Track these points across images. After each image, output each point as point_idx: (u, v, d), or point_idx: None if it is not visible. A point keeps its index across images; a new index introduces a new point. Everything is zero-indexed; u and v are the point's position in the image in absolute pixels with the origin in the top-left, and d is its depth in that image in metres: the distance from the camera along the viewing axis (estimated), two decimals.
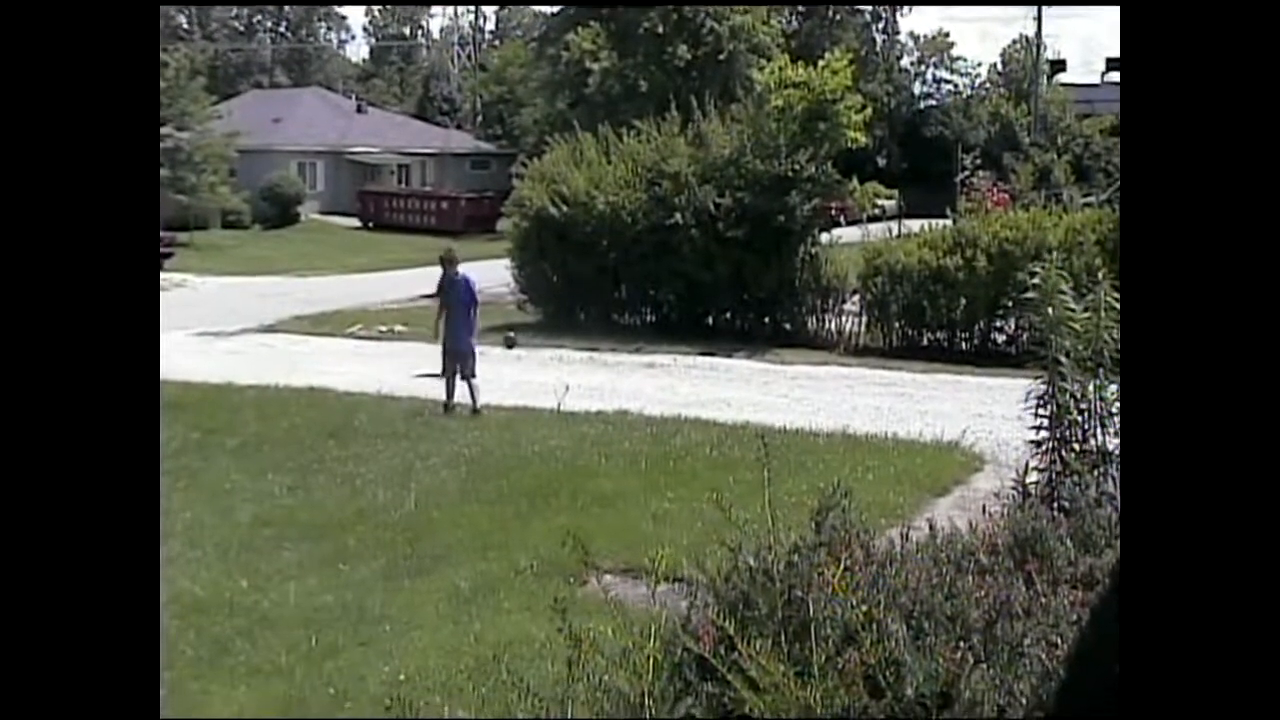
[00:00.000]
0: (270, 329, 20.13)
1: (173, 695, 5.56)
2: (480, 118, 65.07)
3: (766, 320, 19.17)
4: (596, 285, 20.03)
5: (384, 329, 20.09)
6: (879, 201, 47.19)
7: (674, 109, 20.52)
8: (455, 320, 12.81)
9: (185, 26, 69.31)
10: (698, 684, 3.20)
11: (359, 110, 56.59)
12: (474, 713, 3.24)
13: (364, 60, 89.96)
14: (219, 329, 20.00)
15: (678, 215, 18.73)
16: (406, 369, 15.62)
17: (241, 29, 77.50)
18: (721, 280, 18.77)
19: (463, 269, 13.22)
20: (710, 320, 19.61)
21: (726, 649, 3.30)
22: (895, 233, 22.08)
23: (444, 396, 12.64)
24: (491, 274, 20.11)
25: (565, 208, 19.79)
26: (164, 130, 37.36)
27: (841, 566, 3.56)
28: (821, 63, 19.48)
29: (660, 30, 37.83)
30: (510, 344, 17.45)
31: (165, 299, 26.50)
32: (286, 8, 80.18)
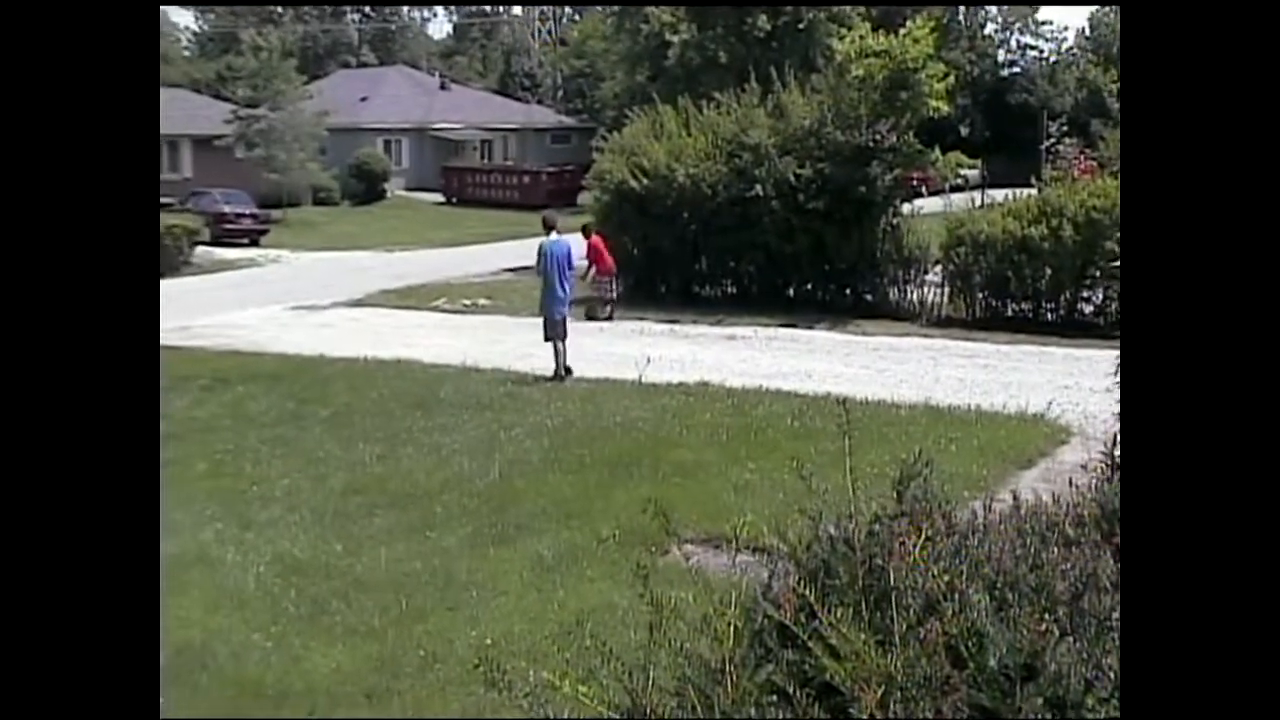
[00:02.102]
0: (359, 303, 20.57)
1: (276, 650, 5.80)
2: (561, 92, 65.24)
3: (847, 292, 19.04)
4: (677, 257, 20.05)
5: (467, 302, 20.39)
6: (962, 171, 46.34)
7: (754, 80, 20.39)
8: (552, 286, 13.00)
9: (279, 10, 70.51)
10: (778, 651, 3.23)
11: (442, 87, 57.18)
12: (559, 677, 3.31)
13: (447, 37, 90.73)
14: (312, 303, 20.50)
15: (758, 187, 18.64)
16: (490, 341, 15.86)
17: (329, 10, 78.61)
18: (802, 252, 18.66)
19: (546, 240, 13.33)
20: (791, 292, 19.52)
21: (807, 617, 3.32)
22: (978, 202, 21.70)
23: (526, 368, 12.86)
24: (576, 248, 20.27)
25: (646, 180, 19.82)
26: (259, 111, 38.28)
27: (923, 536, 3.57)
28: (903, 31, 19.17)
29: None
30: (600, 311, 17.74)
31: (263, 273, 27.31)
32: None
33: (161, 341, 16.78)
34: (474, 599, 6.49)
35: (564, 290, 13.17)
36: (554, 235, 13.34)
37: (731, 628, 3.32)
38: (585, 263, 17.32)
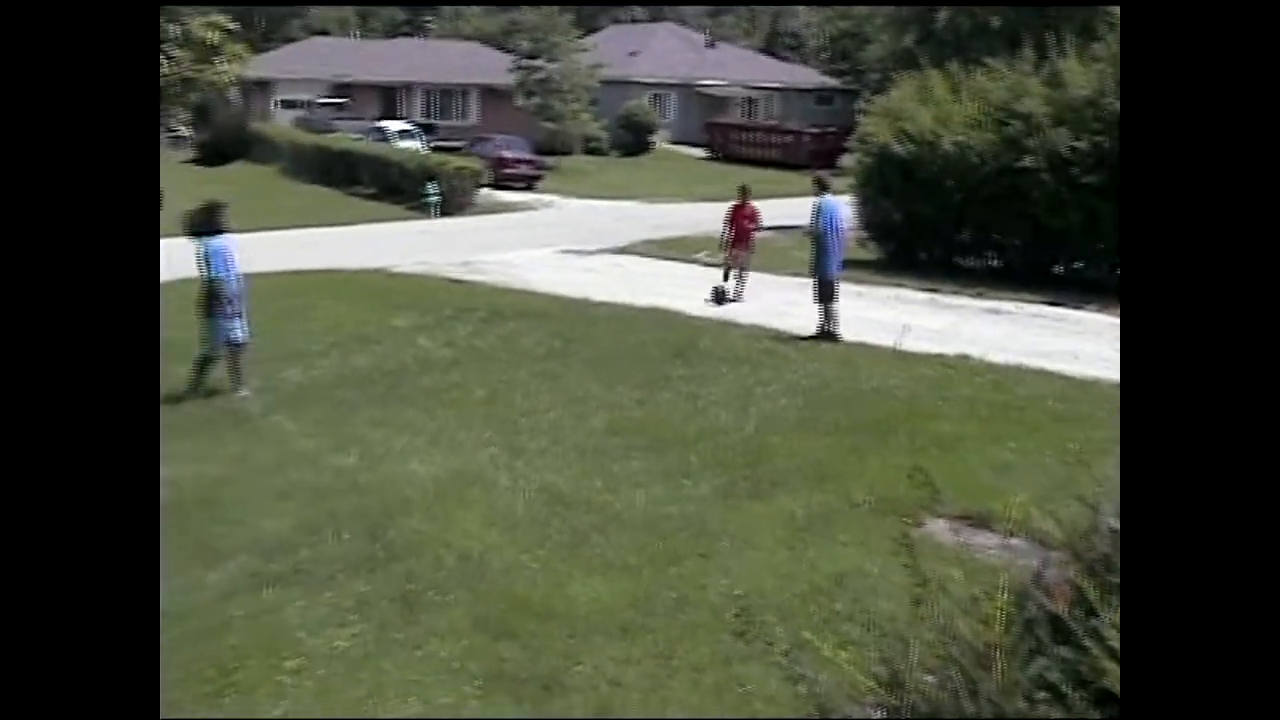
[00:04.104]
0: (623, 250, 21.21)
1: (541, 572, 6.18)
2: (826, 53, 64.19)
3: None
4: (939, 226, 19.52)
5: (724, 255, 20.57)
6: None
7: (1028, 47, 19.41)
8: (827, 246, 13.00)
9: None
10: (1050, 645, 3.05)
11: (709, 45, 57.51)
12: (817, 637, 3.35)
13: None
14: (579, 247, 21.32)
15: (1028, 158, 17.85)
16: (748, 297, 16.00)
17: None
18: (1073, 228, 17.73)
19: (823, 199, 13.28)
20: (1059, 269, 18.62)
21: (1085, 613, 3.17)
22: None
23: (783, 326, 12.92)
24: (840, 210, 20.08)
25: (910, 145, 19.37)
26: (537, 62, 39.92)
27: None
28: None
29: None
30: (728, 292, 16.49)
31: (536, 217, 28.57)
32: None
33: (447, 275, 17.98)
34: (726, 549, 6.65)
35: (837, 250, 13.12)
36: (826, 195, 13.27)
37: (1001, 613, 3.24)
38: (725, 230, 16.52)
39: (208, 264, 10.05)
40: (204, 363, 10.25)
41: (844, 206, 13.45)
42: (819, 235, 13.07)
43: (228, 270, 10.10)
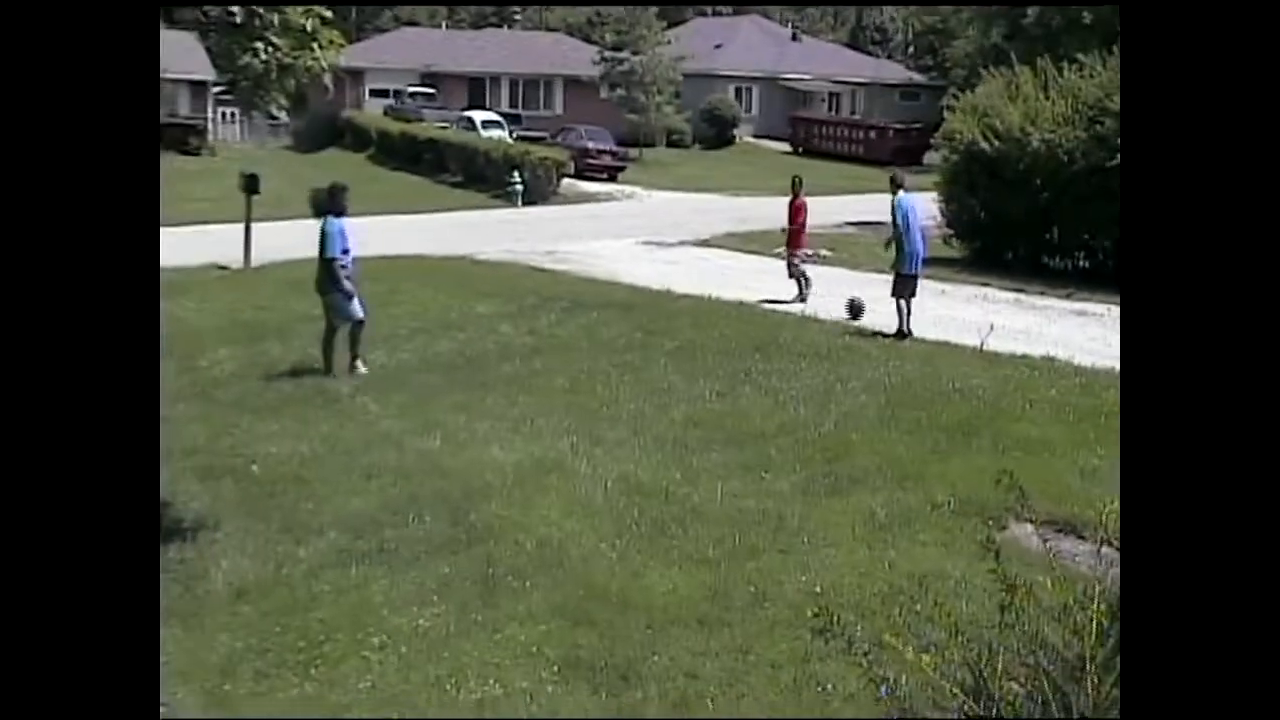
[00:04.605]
0: (705, 243, 21.19)
1: (619, 561, 6.23)
2: (911, 48, 63.40)
3: None
4: (1027, 225, 19.13)
5: (809, 252, 20.41)
6: None
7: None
8: (904, 243, 12.92)
9: None
10: None
11: (793, 38, 57.18)
12: (899, 640, 3.28)
13: None
14: (661, 239, 21.37)
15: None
16: (829, 294, 15.88)
17: None
18: None
19: (899, 197, 13.19)
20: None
21: None
22: None
23: (865, 323, 12.82)
24: (917, 207, 19.82)
25: (997, 143, 19.02)
26: (622, 54, 40.09)
27: None
28: None
29: None
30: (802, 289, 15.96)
31: (618, 208, 28.67)
32: None
33: (530, 263, 18.15)
34: (804, 545, 6.63)
35: (917, 247, 13.02)
36: (902, 193, 13.17)
37: (1094, 624, 3.15)
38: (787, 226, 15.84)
39: (327, 243, 10.39)
40: (330, 336, 10.62)
41: (921, 203, 13.30)
42: (899, 231, 12.98)
43: (345, 249, 10.44)
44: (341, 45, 7.16)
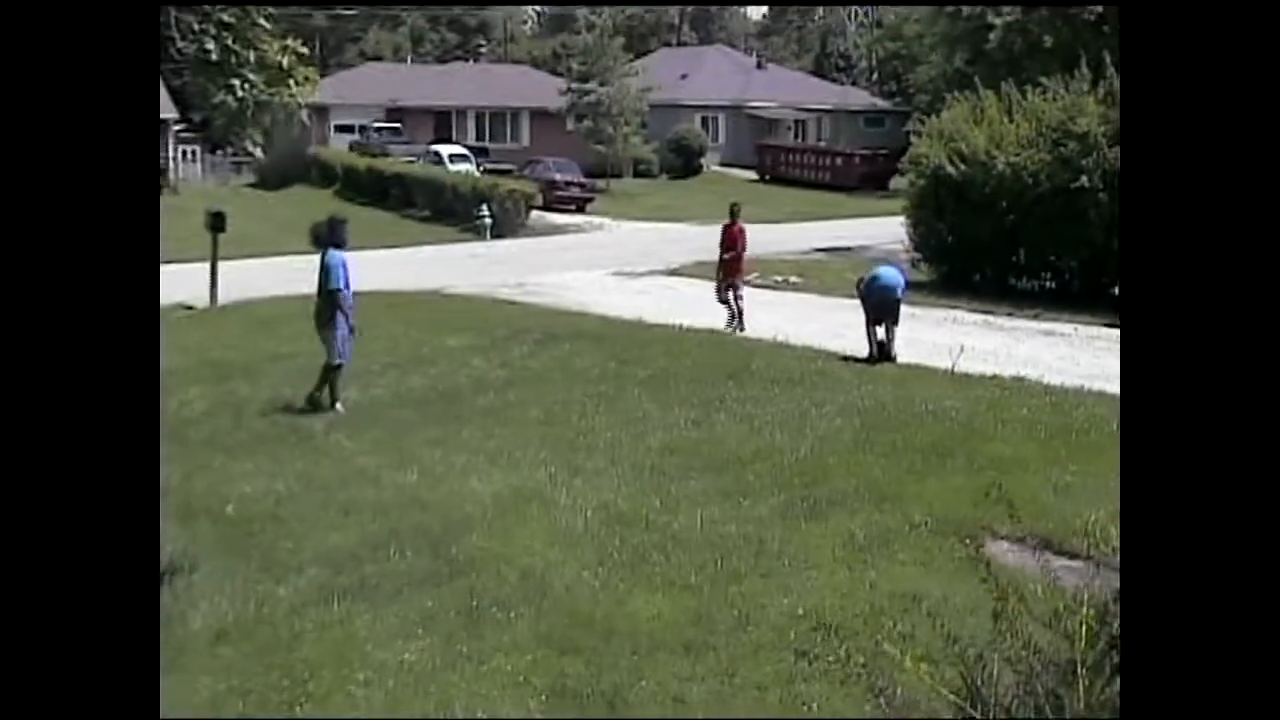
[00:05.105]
0: (674, 272, 21.30)
1: (603, 590, 6.23)
2: (875, 74, 64.22)
3: None
4: (994, 247, 19.42)
5: (779, 279, 20.63)
6: None
7: (1083, 66, 19.26)
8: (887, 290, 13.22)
9: None
10: None
11: (759, 66, 57.85)
12: (900, 650, 3.32)
13: (763, 17, 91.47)
14: (631, 269, 21.48)
15: (1084, 178, 17.74)
16: (801, 319, 16.00)
17: None
18: None
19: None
20: (1116, 291, 18.41)
21: None
22: None
23: (837, 348, 12.96)
24: (884, 231, 20.06)
25: (963, 166, 19.33)
26: (588, 86, 40.40)
27: None
28: None
29: None
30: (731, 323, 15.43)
31: (587, 239, 28.76)
32: None
33: (501, 296, 18.21)
34: (786, 568, 6.65)
35: (895, 273, 13.26)
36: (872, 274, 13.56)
37: (1084, 628, 3.23)
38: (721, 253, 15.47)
39: (328, 275, 10.38)
40: (333, 371, 10.57)
41: (897, 273, 13.76)
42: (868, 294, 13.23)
43: (345, 283, 10.44)
44: (316, 81, 7.20)
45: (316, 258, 10.64)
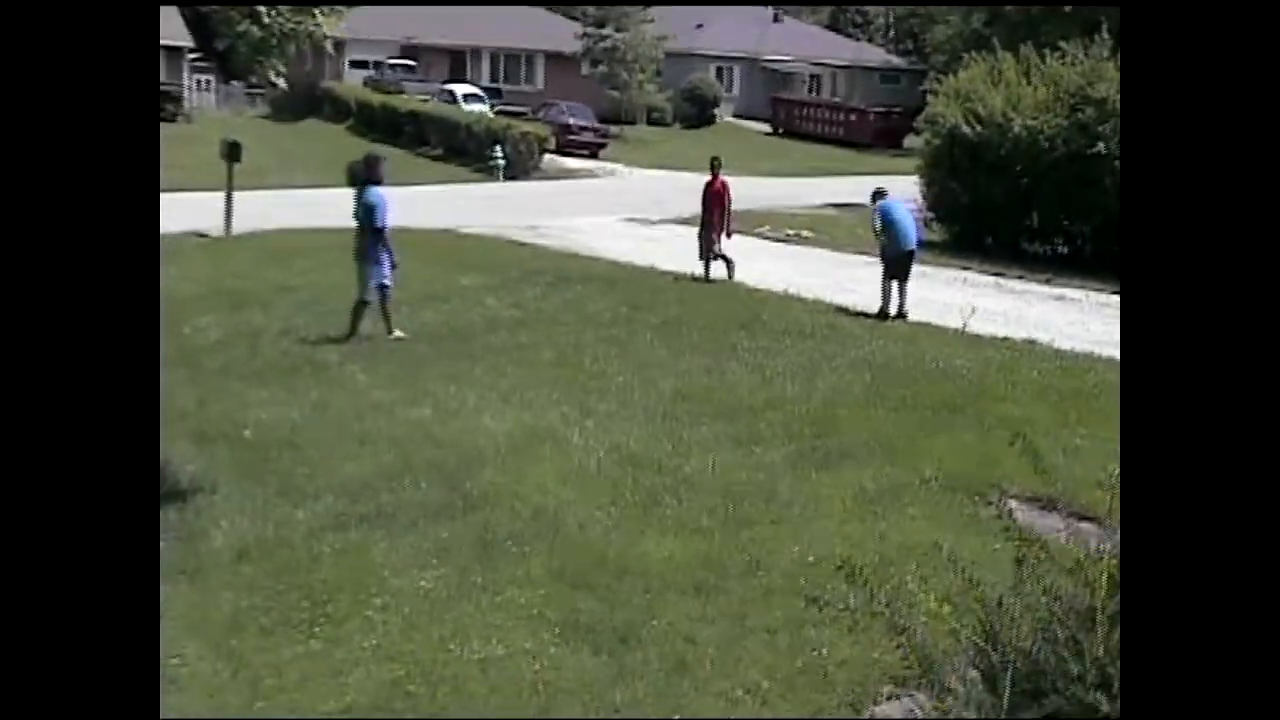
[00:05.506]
0: (686, 221, 21.13)
1: (616, 529, 6.30)
2: (892, 32, 63.55)
3: None
4: (1007, 210, 19.34)
5: (790, 232, 20.56)
6: None
7: (1104, 31, 19.06)
8: (891, 233, 13.12)
9: None
10: None
11: (775, 19, 57.15)
12: (922, 590, 3.38)
13: None
14: (643, 216, 21.40)
15: (1101, 144, 17.59)
16: (812, 272, 15.99)
17: None
18: None
19: (880, 203, 13.43)
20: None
21: None
22: None
23: (848, 302, 12.96)
24: (897, 189, 19.94)
25: (979, 128, 19.20)
26: (605, 30, 39.96)
27: None
28: None
29: None
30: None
31: (600, 184, 28.60)
32: None
33: (513, 237, 18.15)
34: (796, 515, 6.72)
35: (902, 240, 13.16)
36: (883, 202, 13.41)
37: (1105, 577, 3.28)
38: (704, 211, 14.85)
39: (369, 213, 10.41)
40: (360, 308, 10.68)
41: (901, 204, 13.60)
42: (886, 225, 13.11)
43: (385, 219, 10.50)
44: (341, 13, 7.15)
45: (378, 191, 10.56)
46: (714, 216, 14.77)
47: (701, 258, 14.76)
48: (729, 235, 14.90)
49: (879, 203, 13.39)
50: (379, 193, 10.56)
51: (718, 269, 14.78)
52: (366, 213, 10.52)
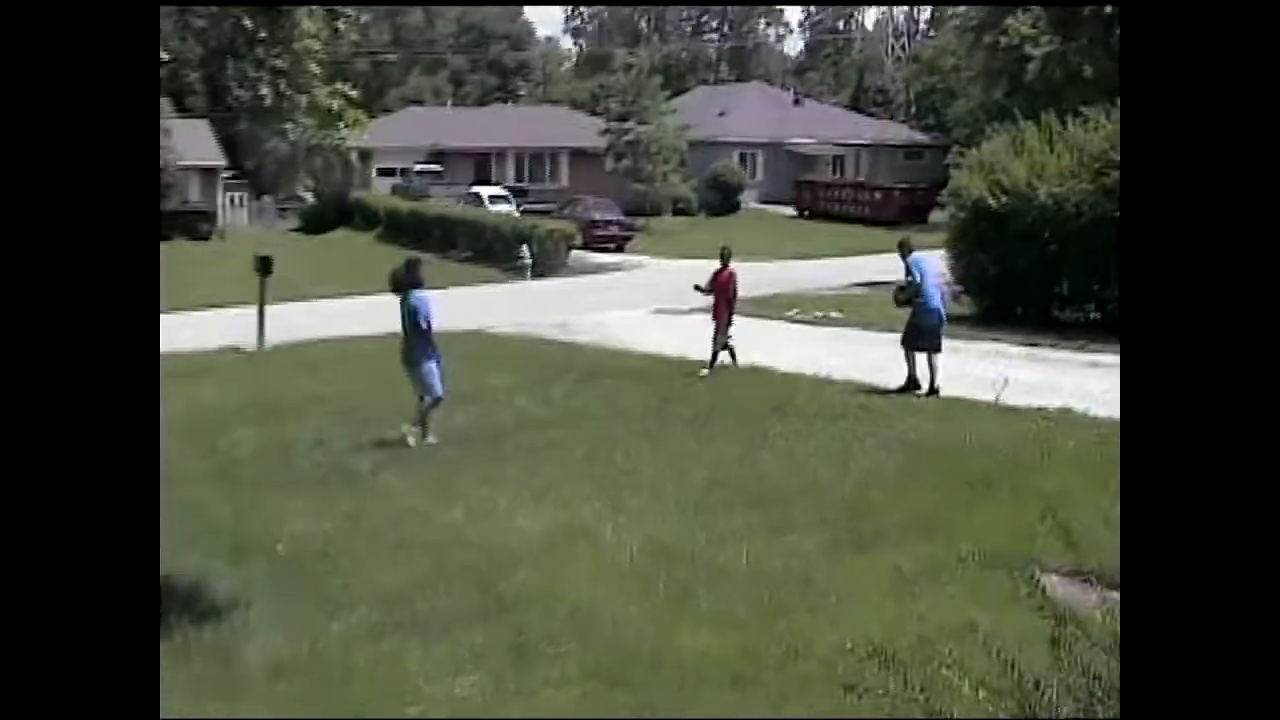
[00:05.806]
0: None
1: (650, 624, 6.25)
2: (913, 108, 64.35)
3: None
4: (1036, 279, 19.24)
5: (819, 314, 20.62)
6: None
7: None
8: (919, 295, 13.08)
9: (643, 29, 74.91)
10: None
11: (796, 103, 58.12)
12: (959, 677, 3.32)
13: (800, 54, 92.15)
14: (673, 307, 21.53)
15: None
16: (842, 354, 15.98)
17: (690, 29, 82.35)
18: None
19: (911, 257, 13.41)
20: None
21: None
22: None
23: (879, 381, 12.91)
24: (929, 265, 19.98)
25: (1004, 198, 19.20)
26: (627, 124, 40.82)
27: None
28: None
29: (1107, 11, 35.31)
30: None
31: (627, 278, 28.87)
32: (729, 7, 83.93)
33: (543, 335, 18.34)
34: (832, 603, 6.64)
35: (933, 302, 13.16)
36: (913, 255, 13.39)
37: None
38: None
39: (416, 315, 10.57)
40: (432, 407, 10.84)
41: (932, 262, 13.51)
42: (913, 284, 13.11)
43: (429, 320, 10.74)
44: (364, 123, 7.37)
45: (421, 294, 10.80)
46: (720, 306, 14.76)
47: (718, 346, 14.65)
48: (730, 323, 14.85)
49: (911, 256, 13.34)
50: (422, 295, 10.80)
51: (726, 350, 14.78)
52: (411, 315, 10.68)
